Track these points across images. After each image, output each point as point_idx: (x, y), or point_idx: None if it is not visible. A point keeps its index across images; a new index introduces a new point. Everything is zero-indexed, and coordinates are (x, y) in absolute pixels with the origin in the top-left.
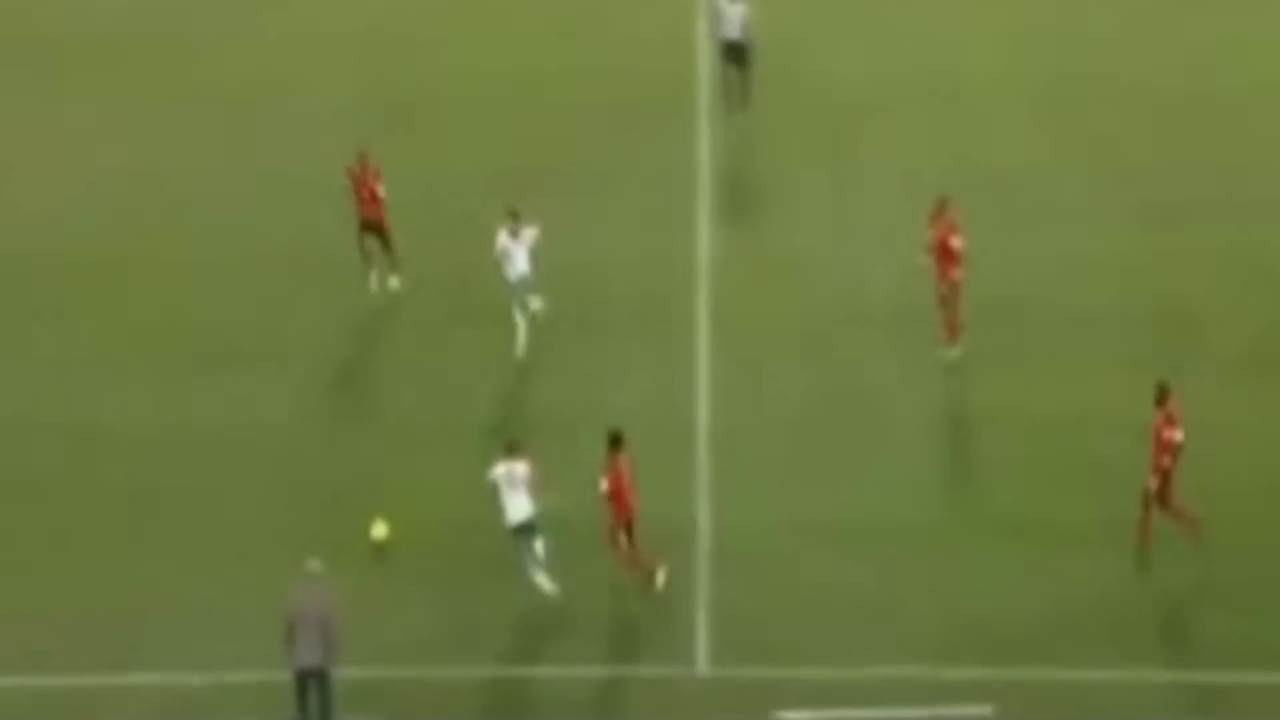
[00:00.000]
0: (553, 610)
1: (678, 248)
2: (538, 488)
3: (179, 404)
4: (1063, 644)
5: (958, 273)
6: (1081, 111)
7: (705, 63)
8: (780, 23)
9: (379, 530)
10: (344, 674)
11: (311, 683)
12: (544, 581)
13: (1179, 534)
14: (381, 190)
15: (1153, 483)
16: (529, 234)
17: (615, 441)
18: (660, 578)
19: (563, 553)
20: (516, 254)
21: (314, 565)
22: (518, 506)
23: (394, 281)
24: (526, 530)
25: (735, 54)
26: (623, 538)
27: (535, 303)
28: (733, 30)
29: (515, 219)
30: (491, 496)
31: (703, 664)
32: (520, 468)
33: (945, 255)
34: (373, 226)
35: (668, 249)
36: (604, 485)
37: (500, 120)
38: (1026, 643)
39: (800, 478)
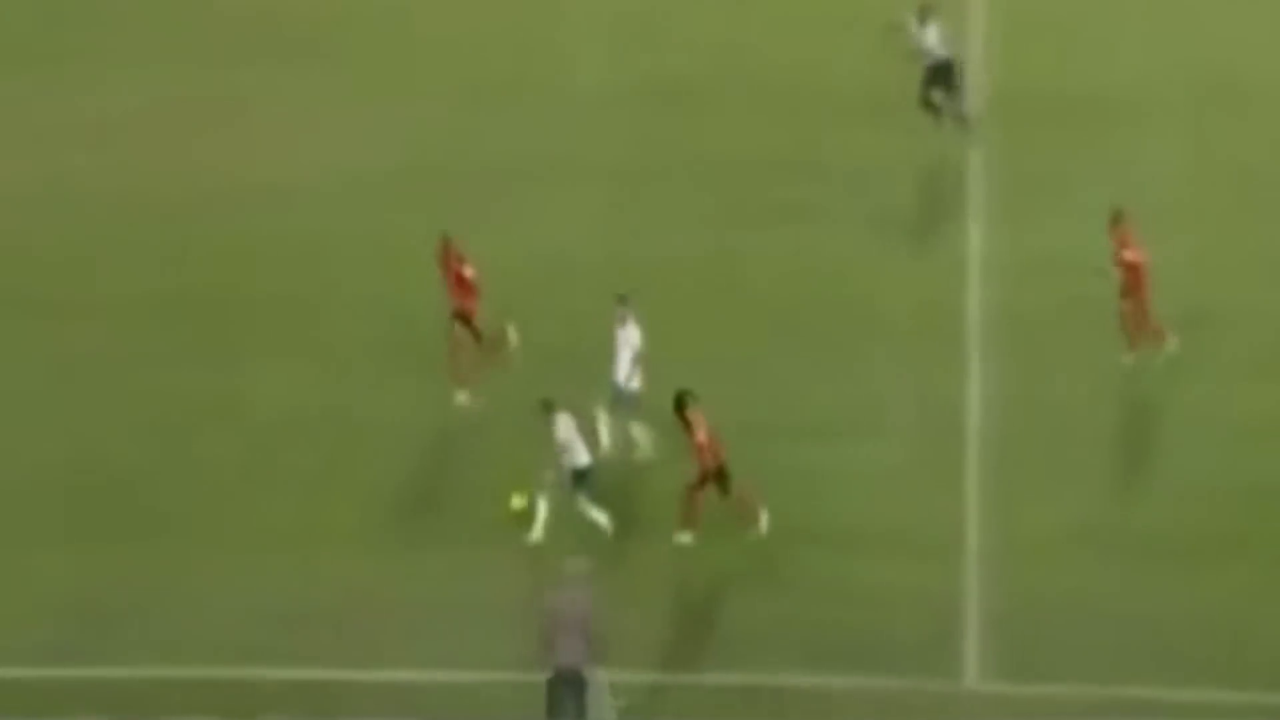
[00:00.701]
0: (813, 617)
1: (946, 245)
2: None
3: (429, 393)
4: None
5: (1138, 283)
6: None
7: (976, 60)
8: (1054, 19)
9: (517, 502)
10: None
11: (569, 686)
12: (599, 515)
13: None
14: (469, 272)
15: None
16: (633, 333)
17: (681, 403)
18: (764, 521)
19: (820, 559)
20: (620, 351)
21: (577, 565)
22: (582, 454)
23: (462, 397)
24: (589, 474)
25: (943, 74)
26: (713, 490)
27: (639, 434)
28: (938, 49)
29: (623, 304)
30: (563, 453)
31: (972, 678)
32: (571, 420)
33: (1124, 269)
34: (464, 317)
35: (936, 247)
36: (701, 437)
37: (765, 111)
38: None
39: (1076, 483)
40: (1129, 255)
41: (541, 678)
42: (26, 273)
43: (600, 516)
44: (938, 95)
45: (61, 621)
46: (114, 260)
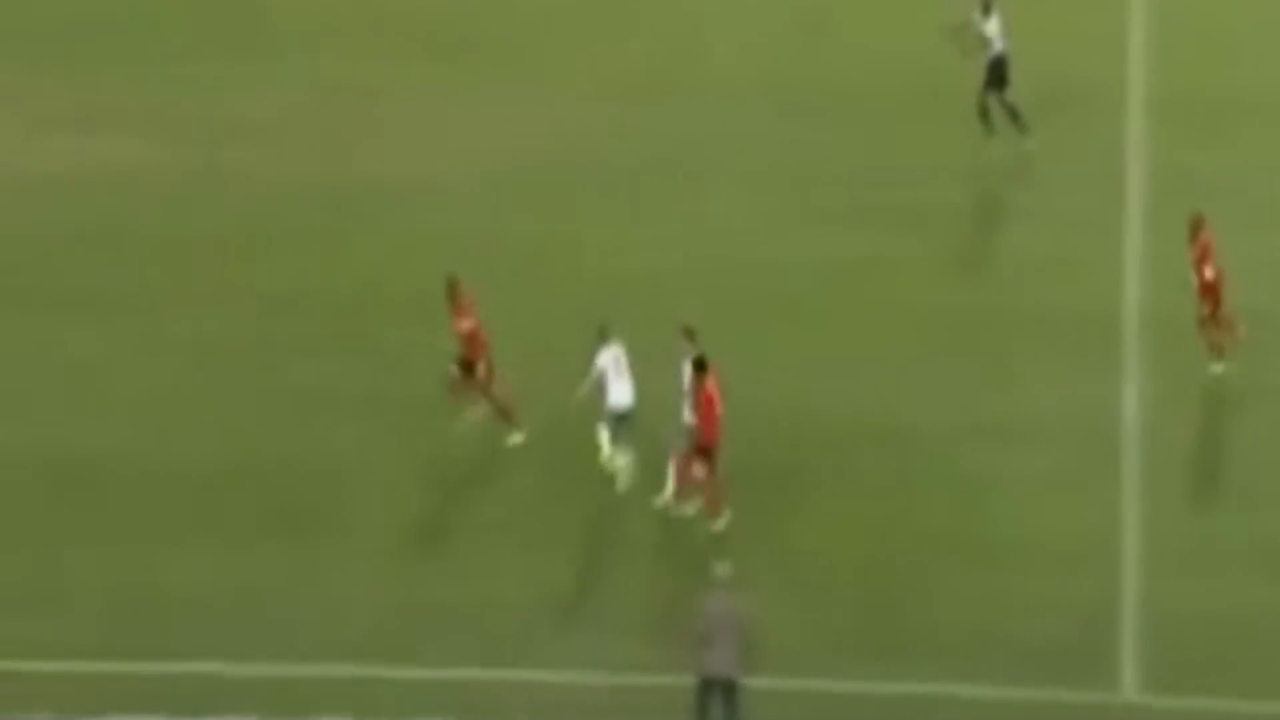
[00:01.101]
0: (967, 624)
1: (1103, 250)
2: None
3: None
4: None
5: (1218, 289)
6: None
7: (1137, 60)
8: (1214, 22)
9: (618, 460)
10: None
11: (719, 693)
12: (626, 469)
13: None
14: (466, 324)
15: None
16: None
17: (700, 366)
18: (723, 522)
19: (974, 566)
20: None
21: (723, 570)
22: (623, 392)
23: (517, 436)
24: (628, 417)
25: (999, 71)
26: (701, 466)
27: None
28: (1000, 43)
29: (689, 339)
30: (598, 384)
31: (1130, 690)
32: (623, 354)
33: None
34: (472, 366)
35: (1092, 251)
36: (686, 415)
37: (916, 114)
38: None
39: (1234, 490)
40: (1207, 267)
41: (689, 682)
42: (177, 265)
43: (623, 464)
44: (992, 96)
45: (210, 616)
46: (261, 253)
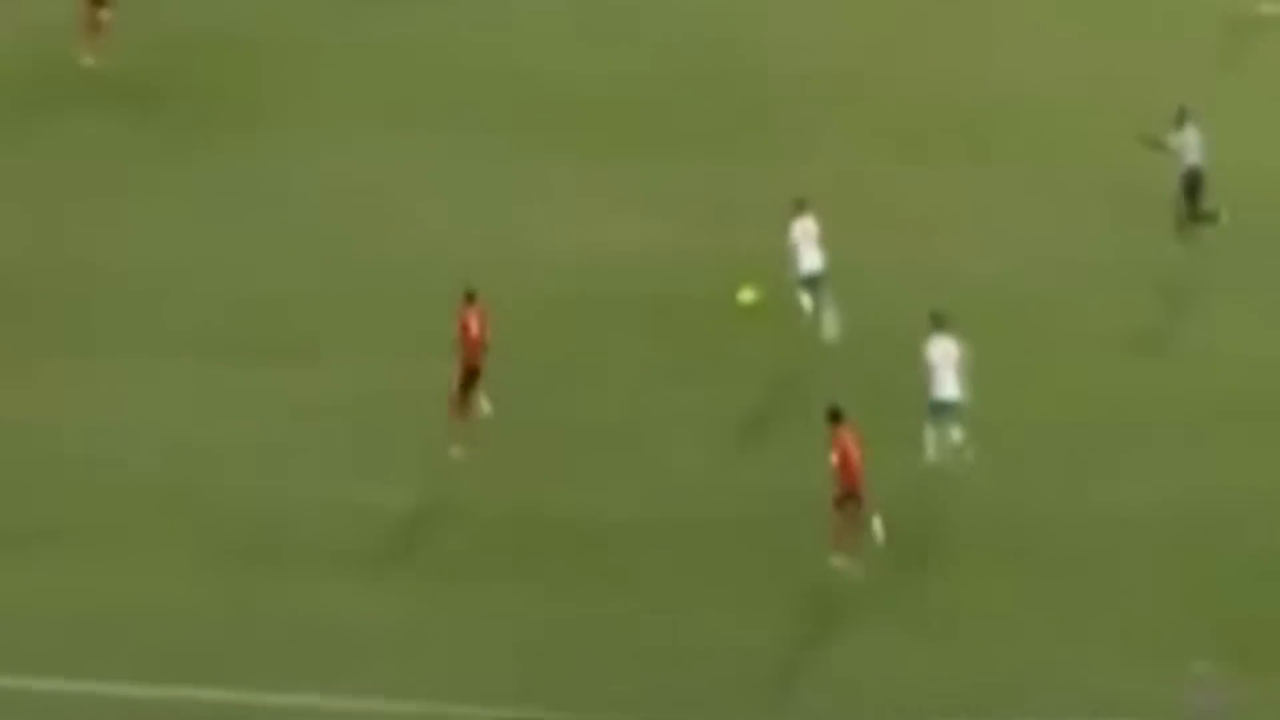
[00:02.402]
0: None
1: None
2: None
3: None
4: None
5: None
6: None
7: None
8: None
9: (747, 295)
10: None
11: None
12: (831, 325)
13: None
14: (464, 315)
15: None
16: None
17: (835, 416)
18: (879, 530)
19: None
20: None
21: (1201, 668)
22: (813, 258)
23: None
24: (820, 279)
25: (1193, 181)
26: (848, 508)
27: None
28: (1192, 155)
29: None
30: (791, 253)
31: None
32: (813, 225)
33: None
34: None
35: None
36: (834, 459)
37: None
38: None
39: None
40: None
41: None
42: (688, 335)
43: (831, 323)
44: (1188, 206)
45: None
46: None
